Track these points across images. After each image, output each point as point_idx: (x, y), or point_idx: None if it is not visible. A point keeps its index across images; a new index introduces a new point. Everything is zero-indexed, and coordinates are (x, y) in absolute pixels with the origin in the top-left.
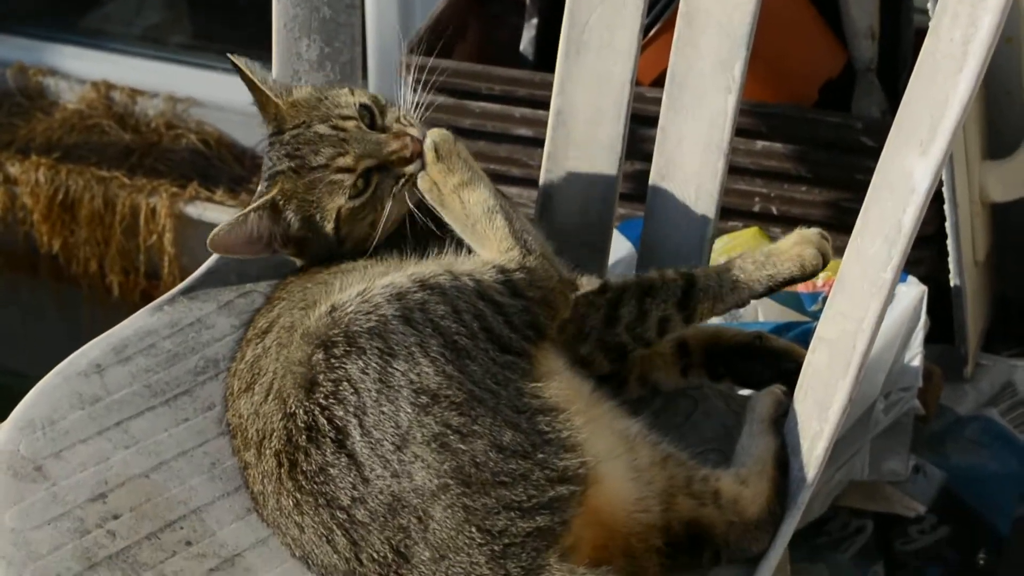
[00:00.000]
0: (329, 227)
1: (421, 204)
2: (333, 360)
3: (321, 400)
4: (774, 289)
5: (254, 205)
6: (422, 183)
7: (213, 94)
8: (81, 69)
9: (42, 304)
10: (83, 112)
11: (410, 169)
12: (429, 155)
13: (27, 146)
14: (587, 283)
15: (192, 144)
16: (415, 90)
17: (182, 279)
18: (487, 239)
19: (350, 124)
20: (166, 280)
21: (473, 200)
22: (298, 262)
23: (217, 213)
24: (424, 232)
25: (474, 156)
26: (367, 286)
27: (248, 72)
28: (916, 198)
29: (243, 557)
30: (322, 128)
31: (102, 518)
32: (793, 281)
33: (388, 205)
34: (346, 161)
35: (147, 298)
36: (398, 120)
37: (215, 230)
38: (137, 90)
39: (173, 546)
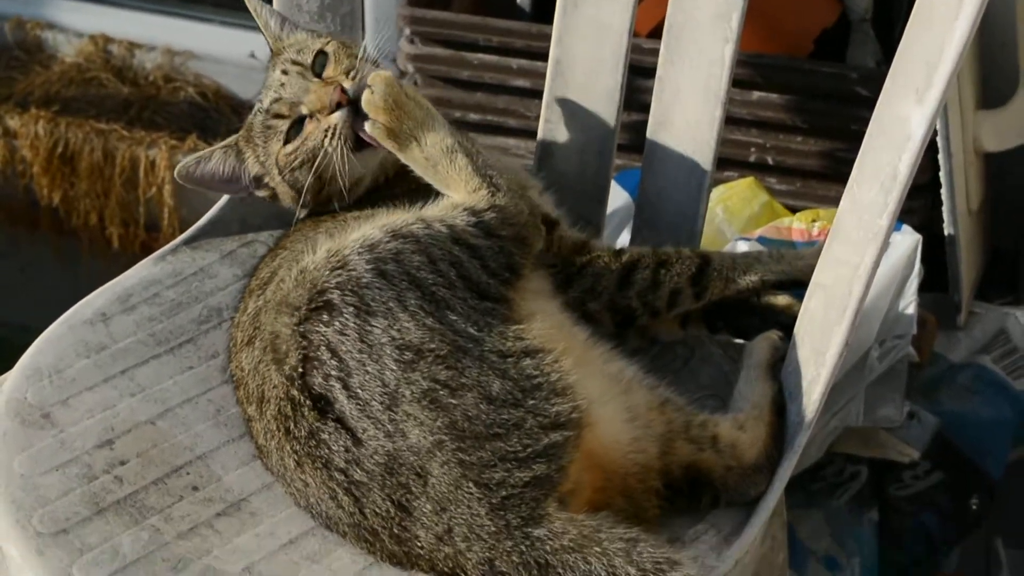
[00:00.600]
0: (275, 173)
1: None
2: (308, 323)
3: (290, 372)
4: (785, 285)
5: (220, 144)
6: (372, 129)
7: (211, 47)
8: (79, 22)
9: (42, 256)
10: (81, 65)
11: (332, 119)
12: (371, 102)
13: (26, 99)
14: (601, 246)
15: (190, 97)
16: (412, 41)
17: (182, 231)
18: (452, 180)
19: (294, 69)
20: (166, 232)
21: (430, 142)
22: (300, 213)
23: None
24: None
25: (473, 108)
26: (337, 242)
27: (254, 12)
28: (912, 145)
29: (249, 502)
30: (276, 72)
31: (109, 464)
32: (802, 284)
33: (322, 157)
34: (280, 108)
35: (147, 250)
36: (347, 72)
37: (181, 163)
38: (135, 43)
39: (180, 491)
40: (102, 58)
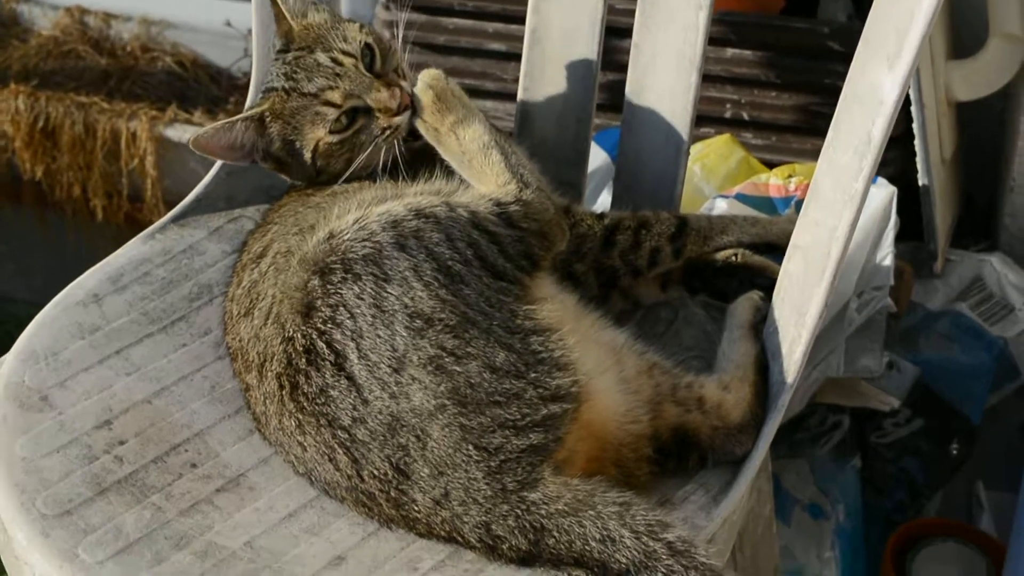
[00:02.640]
0: (307, 156)
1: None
2: (330, 286)
3: (319, 324)
4: (758, 245)
5: (242, 115)
6: (421, 126)
7: (187, 15)
8: None
9: (27, 230)
10: (58, 38)
11: (396, 121)
12: (425, 97)
13: (4, 74)
14: (583, 211)
15: (168, 66)
16: (388, 7)
17: (164, 201)
18: (484, 174)
19: (348, 61)
20: (149, 202)
21: (468, 137)
22: (286, 178)
23: None
24: (416, 159)
25: (449, 72)
26: (364, 213)
27: None
28: (885, 110)
29: (247, 476)
30: (322, 57)
31: (109, 444)
32: (776, 247)
33: (368, 150)
34: (334, 96)
35: (131, 220)
36: (395, 70)
37: (199, 131)
38: (111, 14)
39: (179, 468)
40: (79, 30)
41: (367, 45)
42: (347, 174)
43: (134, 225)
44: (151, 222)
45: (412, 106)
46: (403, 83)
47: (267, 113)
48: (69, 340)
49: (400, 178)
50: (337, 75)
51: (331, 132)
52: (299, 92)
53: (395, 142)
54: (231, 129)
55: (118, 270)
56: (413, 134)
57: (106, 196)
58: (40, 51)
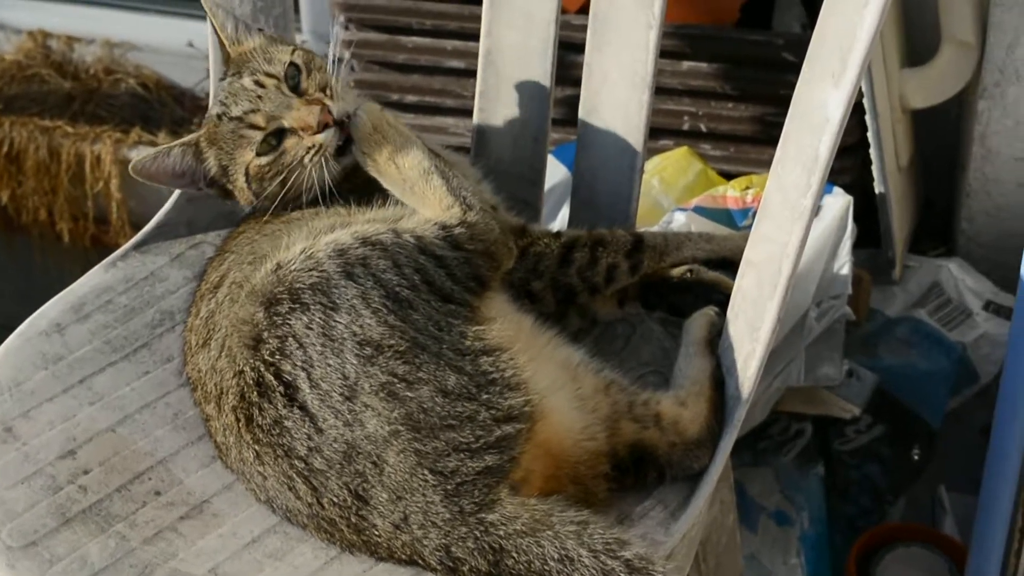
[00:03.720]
0: (240, 180)
1: (344, 179)
2: (277, 317)
3: (267, 356)
4: (713, 261)
5: (179, 141)
6: (360, 158)
7: (149, 37)
8: (16, 19)
9: None
10: (21, 62)
11: (319, 139)
12: (360, 130)
13: None
14: (539, 230)
15: (132, 88)
16: (347, 28)
17: (130, 223)
18: (427, 199)
19: (270, 82)
20: (115, 224)
21: (408, 165)
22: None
23: None
24: (366, 185)
25: (409, 90)
26: (311, 243)
27: (211, 15)
28: (831, 127)
29: (211, 503)
30: (247, 81)
31: (73, 474)
32: (731, 262)
33: (298, 171)
34: (257, 119)
35: (97, 242)
36: (323, 88)
37: (138, 158)
38: (74, 37)
39: (143, 497)
40: (42, 54)
41: (292, 65)
42: (280, 196)
43: (101, 247)
44: (117, 244)
45: (341, 124)
46: (327, 101)
47: (202, 139)
48: (32, 371)
49: (350, 204)
50: (259, 97)
51: (258, 154)
52: (228, 117)
53: (323, 161)
54: (168, 155)
55: (80, 299)
56: (339, 149)
57: (72, 219)
58: (4, 75)
